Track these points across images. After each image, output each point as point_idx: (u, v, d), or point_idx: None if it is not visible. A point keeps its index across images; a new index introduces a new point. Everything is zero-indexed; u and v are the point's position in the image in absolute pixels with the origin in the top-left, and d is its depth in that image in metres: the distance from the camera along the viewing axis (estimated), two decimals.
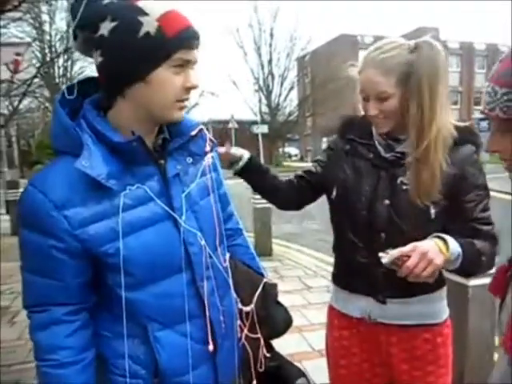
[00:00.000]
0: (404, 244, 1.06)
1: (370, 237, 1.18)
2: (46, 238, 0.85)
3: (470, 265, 1.13)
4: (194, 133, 1.00)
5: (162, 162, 0.95)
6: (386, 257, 1.04)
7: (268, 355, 1.12)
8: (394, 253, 1.04)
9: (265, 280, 1.16)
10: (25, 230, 0.88)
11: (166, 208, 0.92)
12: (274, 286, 1.19)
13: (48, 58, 17.18)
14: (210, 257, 0.98)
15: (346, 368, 1.32)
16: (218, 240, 1.03)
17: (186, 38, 0.87)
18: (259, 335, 1.10)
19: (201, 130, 1.01)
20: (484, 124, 25.78)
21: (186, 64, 0.89)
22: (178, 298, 0.93)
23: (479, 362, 2.09)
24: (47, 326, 0.89)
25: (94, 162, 0.84)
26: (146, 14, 0.84)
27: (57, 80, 21.03)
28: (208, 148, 1.03)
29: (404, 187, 1.15)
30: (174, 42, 0.85)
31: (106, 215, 0.87)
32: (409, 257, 1.03)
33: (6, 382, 2.59)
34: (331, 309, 1.38)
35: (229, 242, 1.15)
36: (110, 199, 0.87)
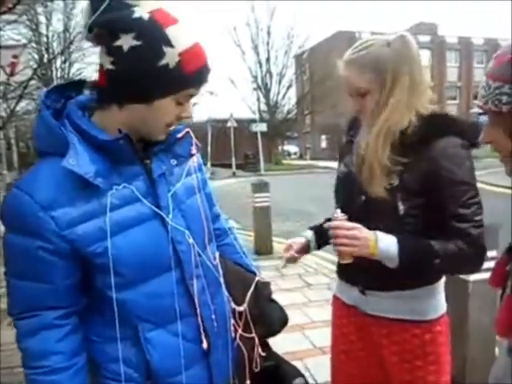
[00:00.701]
0: None
1: None
2: (33, 240, 0.84)
3: (418, 266, 1.13)
4: (180, 135, 1.01)
5: (148, 161, 0.95)
6: (337, 217, 1.15)
7: (263, 354, 1.11)
8: (338, 215, 1.15)
9: (257, 278, 1.17)
10: (10, 234, 0.87)
11: (153, 207, 0.92)
12: (267, 284, 1.20)
13: (45, 60, 17.14)
14: (199, 255, 0.98)
15: (346, 354, 1.37)
16: (207, 238, 1.03)
17: (200, 78, 0.89)
18: (254, 335, 1.10)
19: (187, 132, 1.02)
20: (484, 118, 25.86)
21: (190, 98, 0.92)
22: (167, 296, 0.93)
23: (480, 356, 2.10)
24: (37, 331, 0.87)
25: (80, 161, 0.84)
26: (171, 46, 0.83)
27: (55, 82, 21.01)
28: (194, 151, 1.04)
29: None
30: (189, 80, 0.87)
31: (94, 215, 0.86)
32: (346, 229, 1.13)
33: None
34: (334, 297, 1.44)
35: (218, 241, 1.15)
36: (97, 199, 0.87)
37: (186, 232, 0.96)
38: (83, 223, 0.86)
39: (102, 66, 0.87)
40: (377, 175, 1.15)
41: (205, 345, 0.97)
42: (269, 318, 1.15)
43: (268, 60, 28.98)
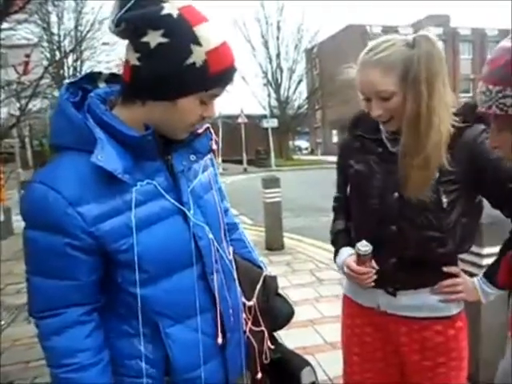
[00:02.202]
0: (415, 236, 1.13)
1: (382, 230, 1.19)
2: (60, 237, 0.83)
3: None
4: (200, 131, 1.00)
5: (169, 157, 0.95)
6: (362, 250, 1.16)
7: (272, 347, 1.12)
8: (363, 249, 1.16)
9: (265, 273, 1.17)
10: (33, 230, 0.85)
11: (176, 203, 0.92)
12: (274, 278, 1.20)
13: (57, 58, 17.32)
14: (218, 250, 0.99)
15: (359, 355, 1.34)
16: (223, 233, 1.04)
17: (226, 78, 0.88)
18: (263, 328, 1.11)
19: (207, 128, 1.01)
20: None
21: (214, 98, 0.91)
22: (188, 292, 0.94)
23: (493, 354, 2.07)
24: (63, 329, 0.86)
25: (108, 157, 0.83)
26: (199, 45, 0.82)
27: (66, 80, 21.18)
28: (214, 146, 1.03)
29: None
30: (214, 80, 0.86)
31: (119, 211, 0.86)
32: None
33: (24, 379, 2.65)
34: (345, 297, 1.41)
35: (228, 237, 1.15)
36: (121, 195, 0.86)
37: (206, 228, 0.96)
38: (109, 219, 0.85)
39: (127, 61, 0.86)
40: (431, 178, 1.12)
41: (220, 340, 0.97)
42: (276, 311, 1.16)
43: (278, 55, 28.89)
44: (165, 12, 0.82)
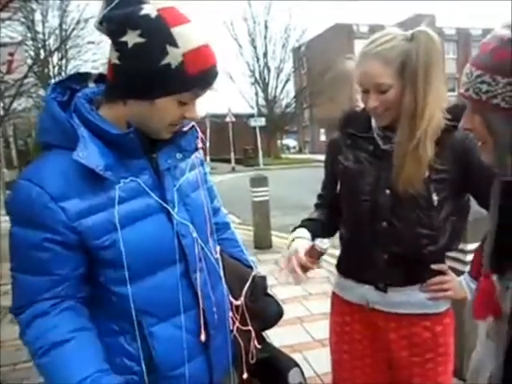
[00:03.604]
0: (406, 233, 1.16)
1: (373, 226, 1.20)
2: (40, 232, 0.84)
3: None
4: (185, 129, 1.00)
5: (154, 155, 0.95)
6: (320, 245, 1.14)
7: (259, 347, 1.13)
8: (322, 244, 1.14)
9: (254, 273, 1.18)
10: (17, 228, 0.86)
11: (160, 201, 0.93)
12: (263, 278, 1.21)
13: (41, 57, 17.06)
14: (202, 249, 0.99)
15: (349, 353, 1.34)
16: (209, 232, 1.04)
17: (204, 80, 0.88)
18: (250, 328, 1.11)
19: (192, 126, 1.02)
20: None
21: (194, 99, 0.91)
22: (171, 290, 0.94)
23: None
24: (32, 320, 0.86)
25: (90, 154, 0.84)
26: (176, 46, 0.83)
27: (52, 79, 20.90)
28: (200, 145, 1.04)
29: None
30: (191, 81, 0.86)
31: (102, 208, 0.87)
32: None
33: (12, 381, 2.62)
34: (334, 294, 1.41)
35: (217, 235, 1.15)
36: (105, 192, 0.87)
37: (190, 226, 0.97)
38: (92, 215, 0.86)
39: (109, 60, 0.87)
40: (422, 173, 1.13)
41: (203, 337, 0.98)
42: (264, 311, 1.17)
43: (265, 54, 28.87)
44: (143, 12, 0.83)
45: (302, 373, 1.17)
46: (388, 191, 1.18)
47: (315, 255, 1.15)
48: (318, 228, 1.32)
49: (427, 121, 1.10)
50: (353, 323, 1.33)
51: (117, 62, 0.85)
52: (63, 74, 21.42)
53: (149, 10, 0.83)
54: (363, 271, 1.25)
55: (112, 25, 0.84)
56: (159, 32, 0.83)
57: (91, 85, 0.97)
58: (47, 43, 18.64)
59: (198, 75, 0.86)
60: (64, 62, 21.01)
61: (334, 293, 1.42)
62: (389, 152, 1.19)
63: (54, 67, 20.85)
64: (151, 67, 0.83)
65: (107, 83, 0.91)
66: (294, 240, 1.25)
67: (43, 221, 0.84)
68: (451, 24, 35.05)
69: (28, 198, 0.84)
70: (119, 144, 0.88)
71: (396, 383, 1.31)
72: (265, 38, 28.72)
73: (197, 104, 0.93)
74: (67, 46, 19.37)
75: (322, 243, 1.14)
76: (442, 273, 1.24)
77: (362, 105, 1.25)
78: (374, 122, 1.24)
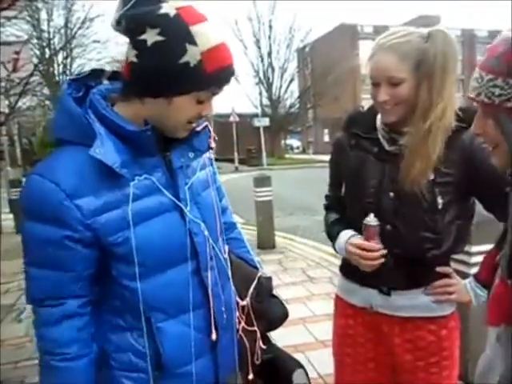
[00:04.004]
0: (410, 236, 1.14)
1: None
2: (59, 229, 0.84)
3: None
4: (199, 129, 1.01)
5: (167, 153, 0.96)
6: (370, 222, 1.15)
7: (264, 347, 1.13)
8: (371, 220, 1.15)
9: (259, 273, 1.18)
10: (31, 222, 0.86)
11: (173, 199, 0.93)
12: (269, 279, 1.21)
13: (47, 56, 17.15)
14: (213, 247, 1.00)
15: (352, 357, 1.33)
16: (219, 231, 1.05)
17: (221, 78, 0.89)
18: (255, 328, 1.11)
19: (205, 126, 1.02)
20: None
21: (211, 97, 0.91)
22: (182, 287, 0.95)
23: (482, 351, 2.10)
24: (61, 319, 0.88)
25: (107, 151, 0.84)
26: (195, 44, 0.83)
27: (57, 78, 21.01)
28: (213, 144, 1.04)
29: None
30: (209, 80, 0.86)
31: (117, 205, 0.87)
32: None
33: (13, 379, 2.62)
34: (337, 297, 1.40)
35: (225, 235, 1.15)
36: (119, 189, 0.88)
37: (202, 224, 0.98)
38: (106, 212, 0.87)
39: (127, 58, 0.88)
40: (429, 170, 1.12)
41: (214, 336, 0.98)
42: (270, 312, 1.16)
43: (270, 54, 28.86)
44: (162, 11, 0.83)
45: (307, 374, 1.17)
46: (392, 194, 1.17)
47: (373, 235, 1.16)
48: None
49: (440, 118, 1.09)
50: (356, 326, 1.31)
51: (135, 60, 0.85)
52: (68, 72, 21.53)
53: (168, 8, 0.84)
54: (367, 274, 1.21)
55: (131, 23, 0.84)
56: (178, 30, 0.83)
57: (105, 82, 0.98)
58: (52, 42, 18.75)
59: (215, 73, 0.86)
60: (69, 60, 21.11)
61: (337, 296, 1.40)
62: (393, 154, 1.18)
63: (58, 66, 20.96)
64: (170, 65, 0.83)
65: (123, 81, 0.91)
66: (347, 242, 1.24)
67: (59, 218, 0.84)
68: (456, 25, 34.89)
69: (42, 193, 0.84)
70: (135, 141, 0.89)
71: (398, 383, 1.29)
72: (269, 38, 28.73)
73: (212, 101, 0.94)
74: (72, 45, 19.46)
75: (371, 219, 1.15)
76: (446, 276, 1.22)
77: (366, 105, 1.25)
78: (378, 123, 1.23)
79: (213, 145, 1.04)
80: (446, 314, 1.23)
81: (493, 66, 0.73)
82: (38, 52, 17.54)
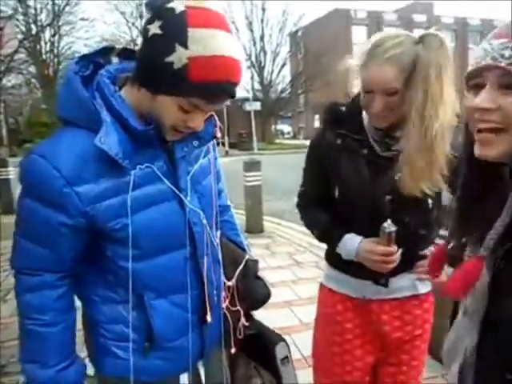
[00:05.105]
0: (406, 234, 1.18)
1: (374, 229, 1.19)
2: (55, 213, 0.86)
3: None
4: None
5: (170, 143, 0.96)
6: (388, 228, 1.15)
7: (247, 324, 1.18)
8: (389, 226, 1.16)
9: (247, 256, 1.22)
10: (29, 200, 0.88)
11: (174, 188, 0.94)
12: (256, 262, 1.25)
13: (33, 32, 16.70)
14: (209, 235, 1.03)
15: (339, 345, 1.34)
16: (214, 218, 1.07)
17: (207, 91, 0.83)
18: (239, 307, 1.16)
19: (211, 115, 1.01)
20: None
21: (196, 109, 0.88)
22: (177, 271, 0.98)
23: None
24: (39, 288, 0.92)
25: (111, 141, 0.84)
26: (185, 47, 0.80)
27: (44, 56, 20.52)
28: (218, 134, 1.04)
29: None
30: (190, 88, 0.82)
31: (116, 192, 0.88)
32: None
33: (1, 358, 2.63)
34: (323, 287, 1.40)
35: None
36: (120, 177, 0.88)
37: (202, 214, 0.99)
38: (106, 200, 0.87)
39: None
40: (435, 174, 1.11)
41: (209, 318, 1.03)
42: (253, 293, 1.21)
43: (262, 38, 28.55)
44: (170, 5, 0.82)
45: (288, 346, 1.22)
46: (388, 197, 1.19)
47: (391, 240, 1.17)
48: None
49: (440, 120, 1.07)
50: (345, 312, 1.33)
51: (139, 46, 0.86)
52: (55, 50, 21.02)
53: (177, 4, 0.82)
54: (363, 269, 1.24)
55: (149, 11, 0.84)
56: (175, 28, 0.81)
57: (114, 60, 0.97)
58: (39, 18, 18.23)
59: (201, 84, 0.82)
60: (56, 38, 20.60)
61: (323, 285, 1.40)
62: (387, 158, 1.19)
63: (46, 44, 20.44)
64: (156, 61, 0.82)
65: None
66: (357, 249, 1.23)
67: (58, 203, 0.85)
68: (449, 13, 34.77)
69: (43, 177, 0.84)
70: (139, 135, 0.89)
71: (386, 361, 1.35)
72: (262, 21, 28.35)
73: (201, 115, 0.90)
74: (59, 23, 18.96)
75: (390, 225, 1.15)
76: (425, 257, 1.29)
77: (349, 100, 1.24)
78: (366, 124, 1.22)
79: (218, 134, 1.04)
80: (427, 290, 1.33)
81: (505, 31, 0.66)
82: (23, 28, 17.05)
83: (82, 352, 1.06)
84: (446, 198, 1.25)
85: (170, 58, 0.81)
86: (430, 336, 1.36)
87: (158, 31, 0.81)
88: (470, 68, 0.71)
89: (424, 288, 1.31)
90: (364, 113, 1.22)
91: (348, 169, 1.23)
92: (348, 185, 1.24)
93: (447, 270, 1.24)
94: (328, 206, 1.31)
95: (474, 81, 0.70)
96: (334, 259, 1.35)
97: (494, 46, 0.66)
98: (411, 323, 1.30)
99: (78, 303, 1.03)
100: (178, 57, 0.80)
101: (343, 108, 1.28)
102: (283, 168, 13.28)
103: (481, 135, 0.69)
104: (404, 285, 1.28)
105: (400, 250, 1.19)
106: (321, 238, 1.36)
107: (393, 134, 1.18)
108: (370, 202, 1.20)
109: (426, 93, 1.06)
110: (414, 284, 1.29)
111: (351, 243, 1.24)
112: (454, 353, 0.80)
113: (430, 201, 1.19)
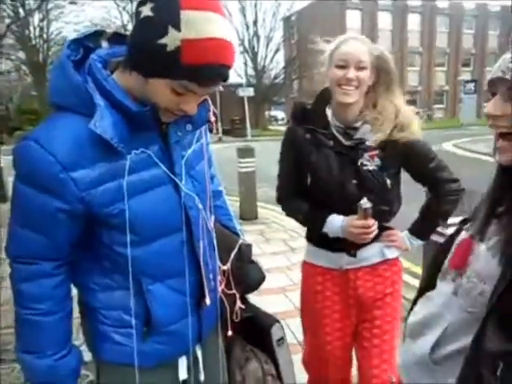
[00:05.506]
0: (373, 211, 1.38)
1: (345, 209, 1.42)
2: (51, 199, 0.86)
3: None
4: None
5: (164, 127, 0.95)
6: (364, 204, 1.36)
7: (243, 307, 1.20)
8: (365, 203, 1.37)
9: (241, 241, 1.24)
10: (24, 186, 0.87)
11: (169, 173, 0.95)
12: (249, 246, 1.27)
13: (21, 16, 16.34)
14: (204, 219, 1.03)
15: (319, 311, 1.55)
16: (208, 203, 1.07)
17: (200, 74, 0.82)
18: (234, 291, 1.19)
19: (205, 100, 0.99)
20: (470, 86, 25.81)
21: (189, 92, 0.86)
22: (174, 255, 0.99)
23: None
24: (36, 277, 0.92)
25: (106, 125, 0.84)
26: (178, 29, 0.78)
27: (33, 42, 20.14)
28: (212, 118, 1.04)
29: (365, 168, 1.40)
30: (183, 70, 0.81)
31: (112, 177, 0.88)
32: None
33: None
34: (305, 263, 1.62)
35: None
36: (116, 162, 0.88)
37: (196, 198, 1.00)
38: (102, 185, 0.87)
39: None
40: (392, 118, 1.41)
41: (208, 301, 1.04)
42: (248, 277, 1.24)
43: (255, 22, 28.19)
44: None
45: (283, 328, 1.26)
46: (355, 181, 1.41)
47: (368, 215, 1.37)
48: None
49: (396, 97, 1.42)
50: (325, 282, 1.53)
51: (131, 30, 0.85)
52: (45, 36, 20.63)
53: None
54: (336, 243, 1.47)
55: None
56: (167, 10, 0.79)
57: (104, 44, 0.96)
58: (27, 2, 17.80)
59: (193, 66, 0.81)
60: (45, 23, 20.20)
61: (305, 262, 1.62)
62: (350, 147, 1.42)
63: (35, 29, 20.05)
64: (148, 43, 0.81)
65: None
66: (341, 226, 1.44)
67: (54, 189, 0.85)
68: None
69: (38, 163, 0.84)
70: (134, 117, 0.88)
71: (362, 318, 1.53)
72: (255, 5, 27.97)
73: (194, 99, 0.90)
74: (48, 7, 18.57)
75: (365, 202, 1.34)
76: (390, 229, 1.55)
77: (327, 84, 1.46)
78: (331, 120, 1.45)
79: (212, 118, 1.04)
80: (394, 256, 1.54)
81: None
82: (11, 12, 16.67)
83: (77, 340, 1.06)
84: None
85: (162, 41, 0.79)
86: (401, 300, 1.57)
87: (150, 13, 0.80)
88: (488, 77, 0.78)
89: (391, 254, 1.53)
90: (327, 109, 1.46)
91: (318, 159, 1.43)
92: (319, 173, 1.43)
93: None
94: (304, 195, 1.51)
95: (491, 89, 0.77)
96: (312, 237, 1.57)
97: (505, 59, 0.72)
98: (381, 283, 1.51)
99: (73, 291, 1.03)
100: (171, 39, 0.79)
101: (309, 106, 1.50)
102: (277, 154, 13.21)
103: (498, 143, 0.75)
104: (374, 253, 1.50)
105: (376, 223, 1.38)
106: (305, 223, 1.58)
107: (353, 125, 1.42)
108: (339, 187, 1.41)
109: (388, 79, 1.41)
110: (382, 251, 1.51)
111: (335, 222, 1.45)
112: (429, 325, 0.83)
113: (388, 181, 1.42)
